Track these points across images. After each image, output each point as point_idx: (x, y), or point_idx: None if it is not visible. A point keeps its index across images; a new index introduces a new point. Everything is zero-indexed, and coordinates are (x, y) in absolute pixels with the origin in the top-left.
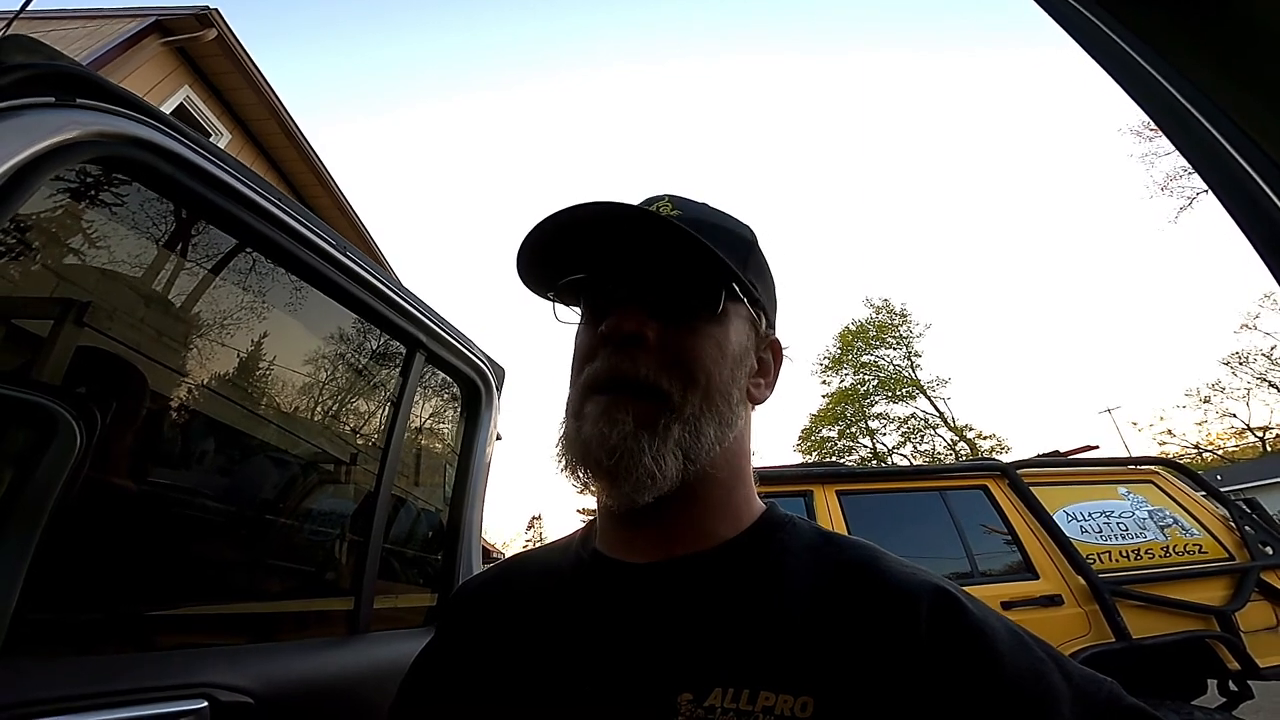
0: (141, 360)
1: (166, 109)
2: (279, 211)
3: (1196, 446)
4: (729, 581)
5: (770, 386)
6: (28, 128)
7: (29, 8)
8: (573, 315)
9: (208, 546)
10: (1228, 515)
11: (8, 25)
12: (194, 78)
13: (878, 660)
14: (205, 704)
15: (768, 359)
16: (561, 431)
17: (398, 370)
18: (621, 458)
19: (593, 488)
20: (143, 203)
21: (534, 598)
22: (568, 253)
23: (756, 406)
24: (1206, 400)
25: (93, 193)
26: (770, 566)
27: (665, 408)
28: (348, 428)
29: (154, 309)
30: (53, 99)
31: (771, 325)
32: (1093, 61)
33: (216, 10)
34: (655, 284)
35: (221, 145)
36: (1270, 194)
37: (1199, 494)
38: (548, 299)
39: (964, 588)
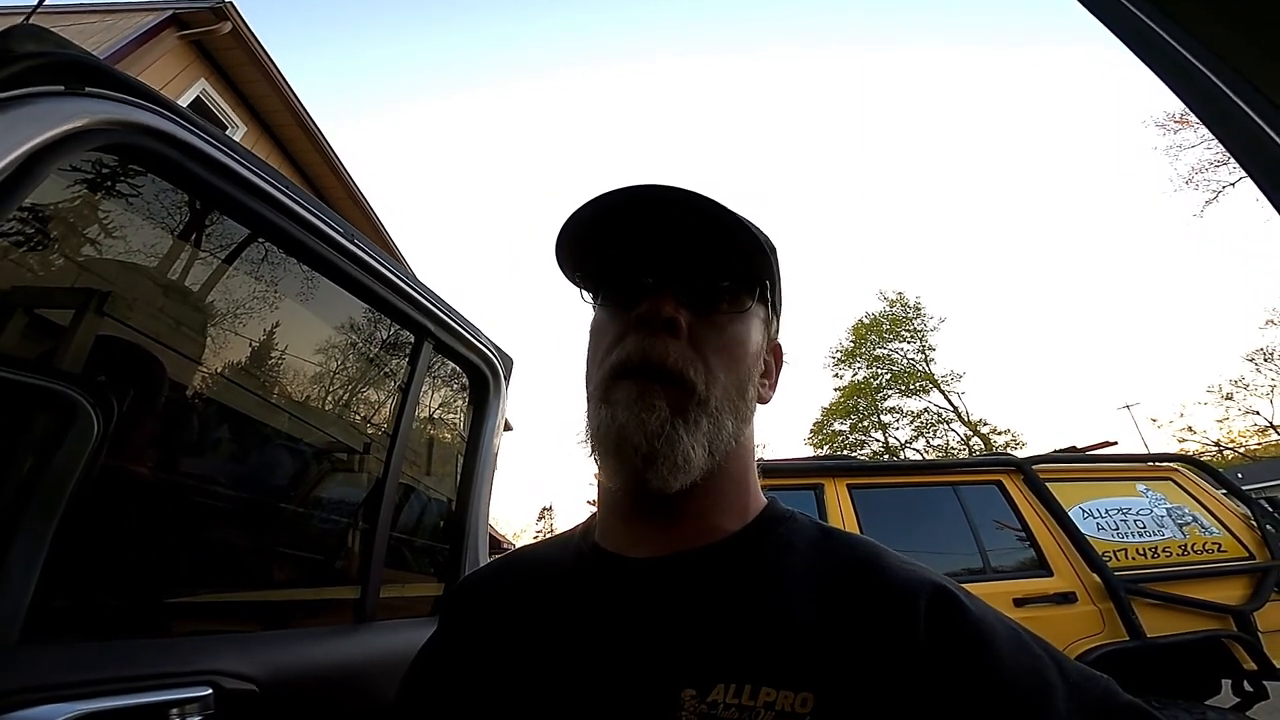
0: (156, 348)
1: (183, 102)
2: (287, 199)
3: (1218, 444)
4: (731, 577)
5: (773, 388)
6: (37, 116)
7: (46, 2)
8: (591, 299)
9: (218, 534)
10: (1249, 514)
11: (26, 18)
12: (210, 71)
13: (877, 657)
14: (210, 691)
15: (770, 361)
16: (589, 416)
17: (406, 359)
18: (660, 443)
19: (619, 475)
20: (153, 191)
21: (536, 592)
22: (603, 234)
23: (760, 407)
24: (1229, 397)
25: (103, 181)
26: (772, 562)
27: (693, 399)
28: (356, 416)
29: (167, 297)
30: (62, 87)
31: (778, 330)
32: (1124, 48)
33: (231, 4)
34: (692, 273)
35: (237, 137)
36: None
37: (1219, 492)
38: (575, 281)
39: (976, 584)
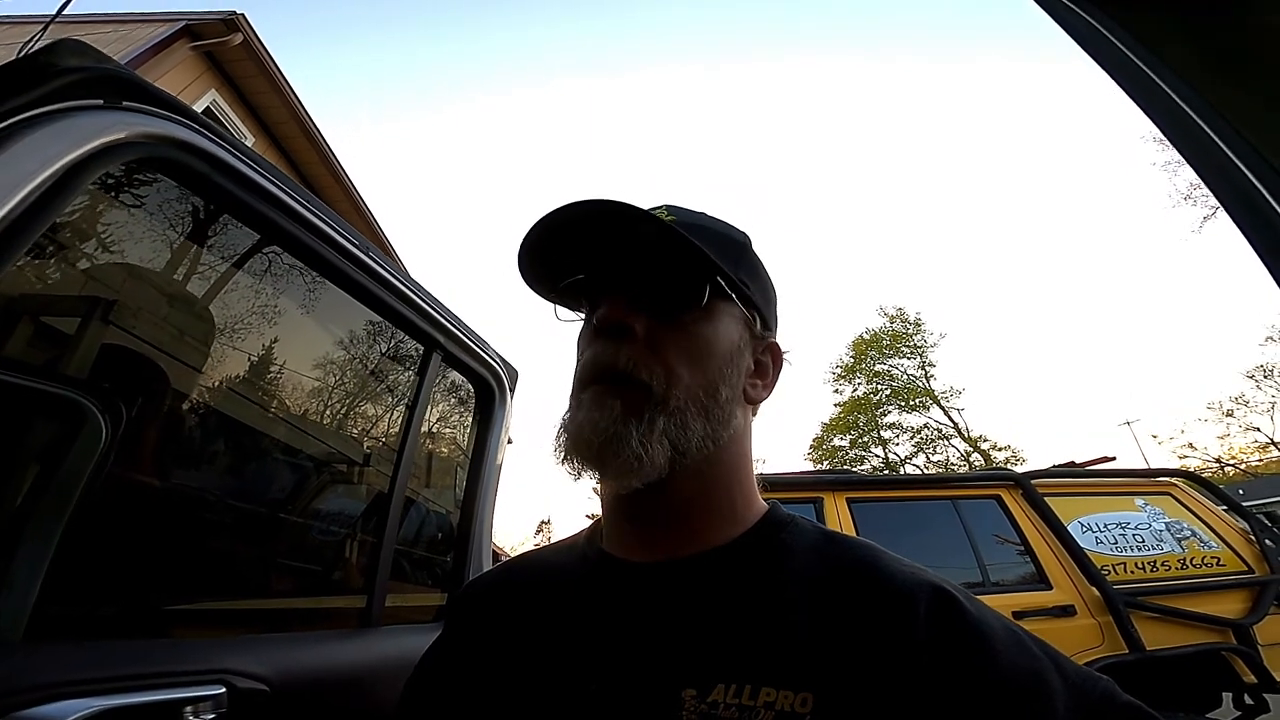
0: (168, 359)
1: None
2: (307, 212)
3: (1218, 460)
4: (732, 580)
5: (768, 388)
6: (78, 128)
7: (64, 12)
8: (574, 315)
9: (229, 544)
10: (1248, 528)
11: (44, 29)
12: (221, 81)
13: (876, 658)
14: (223, 690)
15: (766, 361)
16: (560, 422)
17: (414, 371)
18: (609, 441)
19: (587, 475)
20: (182, 202)
21: (541, 596)
22: (568, 252)
23: (755, 408)
24: (1229, 414)
25: (137, 192)
26: (772, 566)
27: (649, 399)
28: (365, 428)
29: (190, 308)
30: (101, 101)
31: (768, 328)
32: (1100, 70)
33: (242, 15)
34: (643, 279)
35: None
36: (1273, 202)
37: (1219, 507)
38: (550, 300)
39: (975, 597)
